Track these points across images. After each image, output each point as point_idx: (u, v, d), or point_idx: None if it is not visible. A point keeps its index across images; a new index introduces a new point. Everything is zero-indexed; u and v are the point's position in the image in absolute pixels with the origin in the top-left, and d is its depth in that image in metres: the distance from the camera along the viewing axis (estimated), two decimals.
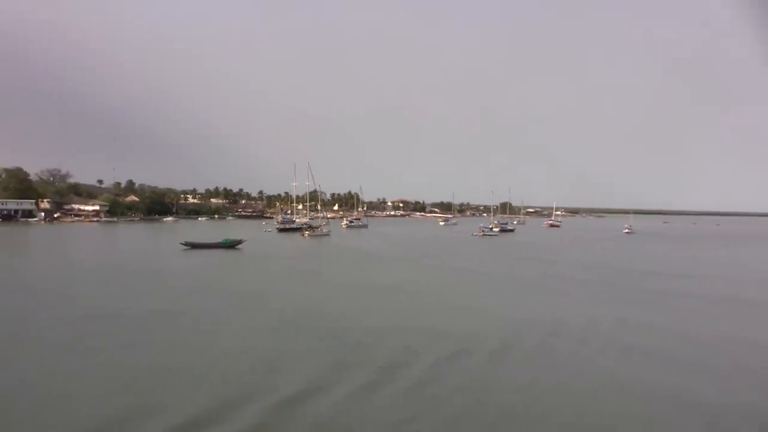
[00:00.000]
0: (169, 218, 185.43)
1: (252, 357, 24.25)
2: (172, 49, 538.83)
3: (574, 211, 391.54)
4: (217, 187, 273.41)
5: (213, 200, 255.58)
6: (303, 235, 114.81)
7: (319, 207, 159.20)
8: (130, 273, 51.75)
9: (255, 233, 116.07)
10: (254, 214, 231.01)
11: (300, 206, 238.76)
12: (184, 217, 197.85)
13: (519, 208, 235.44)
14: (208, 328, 29.57)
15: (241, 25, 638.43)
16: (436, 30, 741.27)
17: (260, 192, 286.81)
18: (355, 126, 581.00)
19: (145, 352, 24.86)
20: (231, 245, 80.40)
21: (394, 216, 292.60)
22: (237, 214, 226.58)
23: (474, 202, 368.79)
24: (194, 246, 77.74)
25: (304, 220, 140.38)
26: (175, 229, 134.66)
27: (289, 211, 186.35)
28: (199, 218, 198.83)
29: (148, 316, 32.26)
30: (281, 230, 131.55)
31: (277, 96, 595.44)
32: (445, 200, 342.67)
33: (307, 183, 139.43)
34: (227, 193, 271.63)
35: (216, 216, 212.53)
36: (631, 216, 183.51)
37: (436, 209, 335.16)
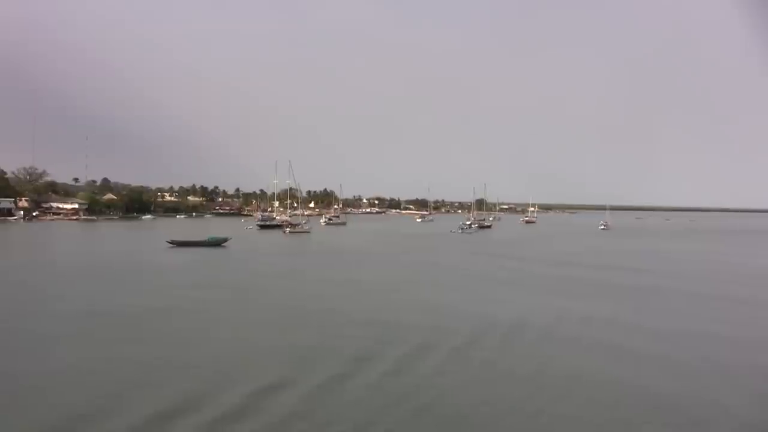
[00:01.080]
0: (148, 216, 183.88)
1: (243, 350, 25.13)
2: (148, 47, 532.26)
3: (547, 208, 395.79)
4: (194, 185, 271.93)
5: (190, 198, 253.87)
6: (284, 232, 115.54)
7: (295, 205, 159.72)
8: (119, 271, 51.87)
9: (237, 231, 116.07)
10: (232, 211, 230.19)
11: (277, 203, 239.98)
12: (163, 215, 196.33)
13: (494, 205, 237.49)
14: (200, 325, 30.11)
15: (219, 23, 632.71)
16: (412, 30, 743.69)
17: (237, 189, 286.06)
18: (332, 126, 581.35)
19: (138, 347, 25.40)
20: (217, 243, 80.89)
21: (370, 213, 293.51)
22: (215, 212, 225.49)
23: (449, 198, 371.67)
24: (180, 244, 77.91)
25: (285, 217, 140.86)
26: (155, 227, 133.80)
27: (269, 209, 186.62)
28: (178, 216, 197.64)
29: (142, 313, 32.65)
30: (262, 227, 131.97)
31: (254, 95, 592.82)
32: (420, 197, 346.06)
33: (288, 181, 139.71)
34: (203, 191, 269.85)
35: (194, 214, 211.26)
36: (607, 212, 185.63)
37: (411, 206, 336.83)
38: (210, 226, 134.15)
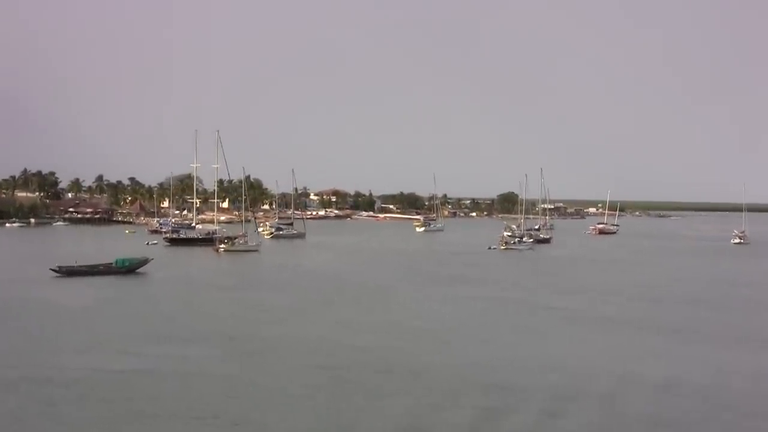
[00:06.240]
0: None
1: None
2: None
3: (616, 207, 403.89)
4: (25, 170, 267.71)
5: (21, 194, 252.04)
6: (216, 250, 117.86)
7: (196, 203, 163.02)
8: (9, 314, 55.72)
9: (129, 248, 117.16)
10: (98, 215, 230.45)
11: (166, 203, 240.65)
12: None
13: (533, 203, 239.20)
14: (226, 394, 34.14)
15: None
16: None
17: (99, 178, 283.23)
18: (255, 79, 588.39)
19: (164, 423, 29.61)
20: (130, 268, 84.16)
21: (326, 217, 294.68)
22: (69, 215, 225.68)
23: (454, 193, 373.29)
24: (73, 272, 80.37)
25: (212, 227, 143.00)
26: None
27: (186, 211, 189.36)
28: (8, 224, 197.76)
29: (116, 379, 36.47)
30: (172, 242, 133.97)
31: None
32: (406, 190, 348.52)
33: (215, 165, 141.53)
34: (41, 182, 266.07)
35: (32, 220, 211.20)
36: (744, 216, 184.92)
37: (392, 205, 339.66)
38: (75, 240, 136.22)
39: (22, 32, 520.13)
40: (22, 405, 31.46)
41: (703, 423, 30.56)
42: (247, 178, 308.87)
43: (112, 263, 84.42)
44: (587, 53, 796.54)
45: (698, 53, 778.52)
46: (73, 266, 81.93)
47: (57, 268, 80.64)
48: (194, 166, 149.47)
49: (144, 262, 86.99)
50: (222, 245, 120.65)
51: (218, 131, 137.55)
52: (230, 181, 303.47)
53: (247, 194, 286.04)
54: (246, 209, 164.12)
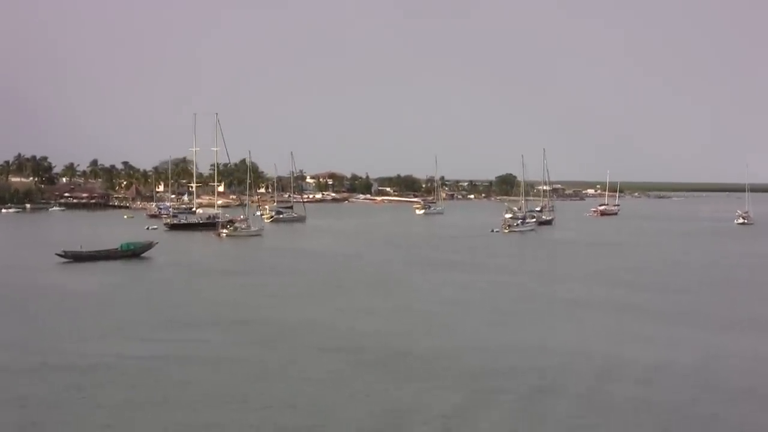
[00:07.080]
0: None
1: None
2: None
3: (615, 189, 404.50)
4: (20, 155, 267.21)
5: (15, 179, 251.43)
6: (219, 235, 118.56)
7: (191, 187, 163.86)
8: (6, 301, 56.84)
9: (129, 233, 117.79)
10: (94, 200, 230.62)
11: (162, 187, 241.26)
12: None
13: (533, 185, 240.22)
14: (256, 378, 35.11)
15: None
16: None
17: (94, 162, 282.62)
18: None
19: (198, 408, 30.31)
20: (135, 252, 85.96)
21: (323, 200, 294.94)
22: (65, 200, 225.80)
23: (450, 175, 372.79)
24: (78, 257, 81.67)
25: (213, 210, 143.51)
26: None
27: (185, 196, 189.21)
28: (4, 209, 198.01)
29: (134, 363, 37.38)
30: (173, 227, 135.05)
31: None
32: (403, 173, 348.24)
33: (215, 148, 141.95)
34: (36, 167, 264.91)
35: (28, 206, 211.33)
36: (746, 196, 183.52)
37: (389, 188, 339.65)
38: (73, 227, 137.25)
39: (18, 19, 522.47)
40: (52, 391, 32.04)
41: (692, 405, 30.93)
42: (243, 161, 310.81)
43: (117, 248, 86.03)
44: (584, 37, 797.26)
45: (698, 36, 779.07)
46: (79, 251, 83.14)
47: (63, 253, 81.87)
48: (194, 150, 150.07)
49: (149, 246, 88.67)
50: (224, 230, 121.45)
51: (217, 114, 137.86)
52: (226, 165, 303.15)
53: (246, 178, 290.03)
54: (247, 193, 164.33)
